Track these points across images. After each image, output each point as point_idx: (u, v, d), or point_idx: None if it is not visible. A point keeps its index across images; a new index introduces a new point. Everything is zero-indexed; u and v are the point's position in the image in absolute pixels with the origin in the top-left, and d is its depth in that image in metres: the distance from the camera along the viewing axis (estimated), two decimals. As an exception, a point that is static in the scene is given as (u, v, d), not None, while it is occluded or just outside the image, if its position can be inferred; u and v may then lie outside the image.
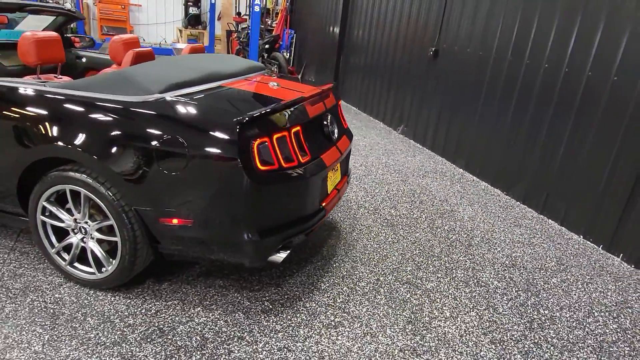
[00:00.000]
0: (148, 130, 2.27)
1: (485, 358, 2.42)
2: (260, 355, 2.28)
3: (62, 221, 2.57)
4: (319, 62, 10.20)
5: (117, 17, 12.32)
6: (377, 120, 7.65)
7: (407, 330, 2.57)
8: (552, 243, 3.81)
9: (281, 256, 2.48)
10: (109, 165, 2.30)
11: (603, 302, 3.04)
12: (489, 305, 2.87)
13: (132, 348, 2.24)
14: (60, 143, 2.38)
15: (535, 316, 2.81)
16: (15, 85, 2.54)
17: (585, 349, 2.58)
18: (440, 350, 2.45)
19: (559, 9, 4.14)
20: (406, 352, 2.41)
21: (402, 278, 3.07)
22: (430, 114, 6.16)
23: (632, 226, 3.52)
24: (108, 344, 2.25)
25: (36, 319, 2.37)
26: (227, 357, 2.24)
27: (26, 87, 2.51)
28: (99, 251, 2.54)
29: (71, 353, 2.18)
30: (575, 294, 3.10)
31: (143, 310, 2.51)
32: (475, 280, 3.13)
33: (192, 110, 2.34)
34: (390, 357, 2.36)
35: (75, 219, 2.54)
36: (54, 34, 3.20)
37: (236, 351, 2.29)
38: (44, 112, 2.44)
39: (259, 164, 2.25)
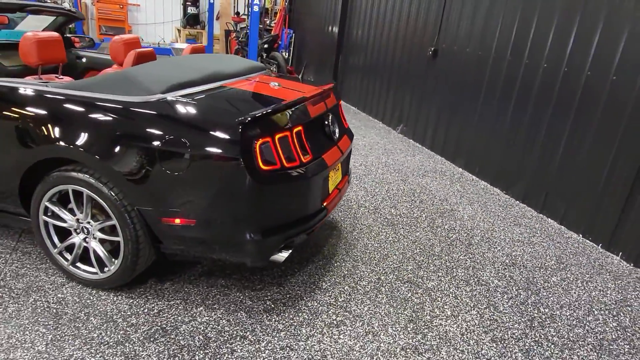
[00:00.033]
0: (150, 130, 2.28)
1: (486, 356, 2.44)
2: (263, 354, 2.29)
3: (64, 221, 2.58)
4: (318, 61, 10.21)
5: (115, 16, 12.31)
6: (376, 120, 7.66)
7: (409, 329, 2.58)
8: (551, 242, 3.82)
9: (283, 256, 2.49)
10: (112, 165, 2.31)
11: (603, 301, 3.06)
12: (490, 304, 2.89)
13: (135, 347, 2.25)
14: (62, 143, 2.39)
15: (535, 314, 2.83)
16: (17, 85, 2.55)
17: (586, 347, 2.59)
18: (442, 348, 2.46)
19: (558, 9, 4.16)
20: (408, 350, 2.42)
21: (403, 277, 3.08)
22: (429, 114, 6.17)
23: (631, 225, 3.54)
24: (111, 343, 2.26)
25: (39, 319, 2.38)
26: (230, 356, 2.25)
27: (28, 87, 2.52)
28: (101, 251, 2.55)
29: (74, 352, 2.19)
30: (575, 293, 3.12)
31: (145, 310, 2.51)
32: (476, 279, 3.14)
33: (194, 110, 2.35)
34: (392, 355, 2.37)
35: (77, 219, 2.55)
36: (55, 34, 3.20)
37: (239, 350, 2.30)
38: (47, 112, 2.44)
39: (261, 164, 2.26)
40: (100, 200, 2.38)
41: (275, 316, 2.57)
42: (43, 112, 2.45)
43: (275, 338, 2.41)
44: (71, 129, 2.38)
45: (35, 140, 2.45)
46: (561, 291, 3.12)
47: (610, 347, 2.62)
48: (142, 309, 2.52)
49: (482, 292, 3.00)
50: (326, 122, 2.88)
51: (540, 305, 2.93)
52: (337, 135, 2.98)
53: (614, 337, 2.71)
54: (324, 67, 9.75)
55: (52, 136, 2.40)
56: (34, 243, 3.04)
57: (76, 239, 2.60)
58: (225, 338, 2.37)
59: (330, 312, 2.65)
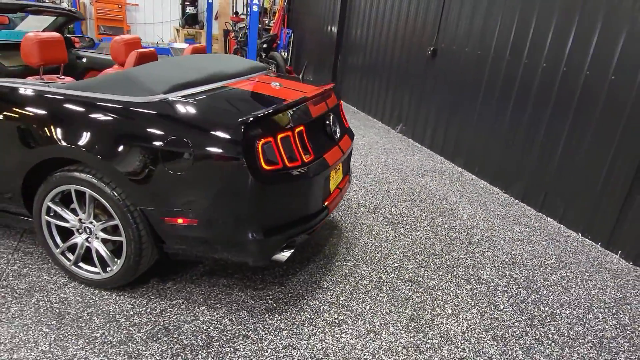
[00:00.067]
0: (152, 130, 2.29)
1: (487, 354, 2.46)
2: (266, 353, 2.30)
3: (66, 221, 2.58)
4: (317, 61, 10.22)
5: (114, 16, 12.29)
6: (375, 120, 7.68)
7: (410, 327, 2.60)
8: (551, 241, 3.84)
9: (285, 255, 2.51)
10: (114, 165, 2.31)
11: (602, 299, 3.08)
12: (490, 303, 2.90)
13: (138, 347, 2.26)
14: (64, 143, 2.39)
15: (535, 313, 2.85)
16: (20, 86, 2.55)
17: (586, 345, 2.61)
18: (443, 347, 2.48)
19: (557, 9, 4.18)
20: (409, 349, 2.43)
21: (404, 276, 3.09)
22: (428, 113, 6.19)
23: (629, 224, 3.57)
24: (114, 342, 2.27)
25: (42, 319, 2.38)
26: (232, 356, 2.27)
27: (30, 87, 2.52)
28: (103, 251, 2.56)
29: (78, 352, 2.19)
30: (574, 291, 3.13)
31: (148, 310, 2.52)
32: (476, 278, 3.16)
33: (197, 110, 2.36)
34: (394, 354, 2.39)
35: (80, 219, 2.56)
36: (56, 34, 3.20)
37: (241, 349, 2.31)
38: (49, 113, 2.45)
39: (263, 164, 2.28)
40: (103, 201, 2.39)
41: (277, 315, 2.58)
42: (46, 112, 2.45)
43: (278, 337, 2.42)
44: (74, 129, 2.39)
45: (38, 141, 2.46)
46: (561, 289, 3.14)
47: (610, 344, 2.64)
48: (144, 308, 2.53)
49: (483, 291, 3.02)
50: (327, 122, 2.89)
51: (541, 303, 2.95)
52: (338, 135, 2.99)
53: (613, 335, 2.73)
54: (323, 66, 9.76)
55: (55, 136, 2.41)
56: (36, 243, 3.05)
57: (78, 239, 2.60)
58: (228, 337, 2.38)
59: (331, 311, 2.66)
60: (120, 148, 2.31)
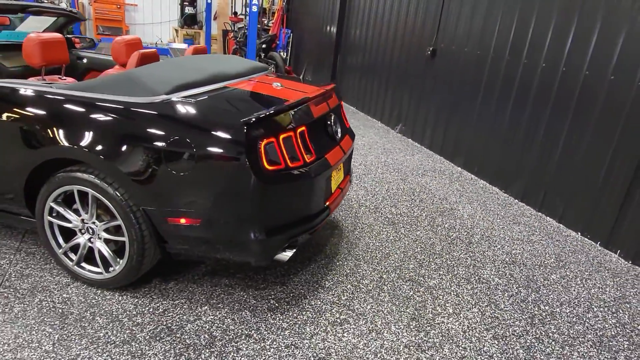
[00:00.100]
0: (155, 131, 2.30)
1: (488, 353, 2.47)
2: (268, 353, 2.31)
3: (69, 222, 2.59)
4: (316, 61, 10.23)
5: (112, 16, 12.28)
6: (375, 120, 7.70)
7: (412, 326, 2.61)
8: (550, 240, 3.86)
9: (287, 255, 2.52)
10: (117, 166, 2.32)
11: (602, 298, 3.09)
12: (491, 302, 2.92)
13: (141, 346, 2.27)
14: (67, 144, 2.40)
15: (536, 312, 2.87)
16: (22, 86, 2.56)
17: (586, 344, 2.63)
18: (445, 346, 2.49)
19: (556, 9, 4.20)
20: (411, 348, 2.45)
21: (405, 275, 3.11)
22: (428, 113, 6.21)
23: (629, 223, 3.59)
24: (118, 342, 2.28)
25: (45, 319, 2.39)
26: (235, 355, 2.28)
27: (33, 88, 2.53)
28: (106, 251, 2.57)
29: (81, 352, 2.20)
30: (574, 290, 3.15)
31: (151, 310, 2.53)
32: (477, 277, 3.18)
33: (199, 111, 2.37)
34: (396, 353, 2.40)
35: (82, 220, 2.56)
36: (58, 35, 3.21)
37: (244, 349, 2.32)
38: (52, 113, 2.46)
39: (266, 164, 2.29)
40: (106, 201, 2.40)
41: (279, 315, 2.60)
42: (49, 113, 2.46)
43: (280, 336, 2.43)
44: (76, 130, 2.40)
45: (41, 141, 2.47)
46: (561, 289, 3.15)
47: (610, 343, 2.66)
48: (147, 308, 2.54)
49: (483, 290, 3.03)
50: (329, 122, 2.90)
51: (541, 302, 2.97)
52: (339, 135, 3.00)
53: (613, 333, 2.75)
54: (322, 66, 9.77)
55: (58, 137, 2.41)
56: (38, 243, 3.05)
57: (81, 239, 2.61)
58: (231, 337, 2.40)
59: (333, 311, 2.68)
60: (123, 148, 2.32)
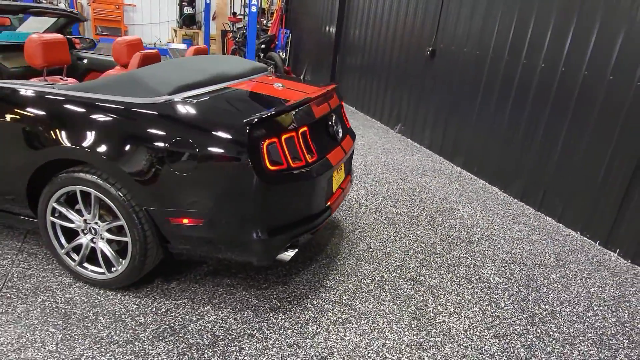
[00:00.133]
0: (158, 131, 2.30)
1: (489, 352, 2.49)
2: (271, 352, 2.32)
3: (71, 222, 2.60)
4: (316, 62, 10.24)
5: (111, 17, 12.28)
6: (374, 120, 7.71)
7: (413, 325, 2.63)
8: (550, 239, 3.88)
9: (289, 255, 2.53)
10: (120, 166, 2.33)
11: (601, 297, 3.11)
12: (491, 301, 2.93)
13: (144, 346, 2.28)
14: (70, 145, 2.41)
15: (536, 311, 2.88)
16: (25, 87, 2.56)
17: (586, 342, 2.65)
18: (446, 344, 2.50)
19: (555, 9, 4.22)
20: (413, 347, 2.46)
21: (406, 275, 3.12)
22: (427, 113, 6.22)
23: (627, 222, 3.61)
24: (121, 342, 2.29)
25: (48, 319, 2.40)
26: (238, 354, 2.29)
27: (36, 89, 2.54)
28: (108, 251, 2.58)
29: (85, 352, 2.21)
30: (574, 289, 3.17)
31: (153, 309, 2.54)
32: (477, 277, 3.19)
33: (202, 111, 2.38)
34: (398, 352, 2.41)
35: (85, 220, 2.57)
36: (60, 36, 3.22)
37: (247, 348, 2.33)
38: (55, 114, 2.46)
39: (268, 164, 2.30)
40: (108, 201, 2.41)
41: (281, 314, 2.61)
42: (51, 114, 2.47)
43: (283, 336, 2.44)
44: (79, 130, 2.40)
45: (43, 142, 2.47)
46: (561, 288, 3.17)
47: (610, 342, 2.67)
48: (149, 308, 2.55)
49: (484, 289, 3.05)
50: (330, 123, 2.91)
51: (541, 301, 2.99)
52: (340, 135, 3.02)
53: (613, 332, 2.76)
54: (322, 67, 9.78)
55: (60, 138, 2.42)
56: (39, 244, 3.06)
57: (83, 239, 2.62)
58: (233, 336, 2.41)
59: (335, 310, 2.69)
60: (126, 149, 2.33)
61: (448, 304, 2.86)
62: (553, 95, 4.24)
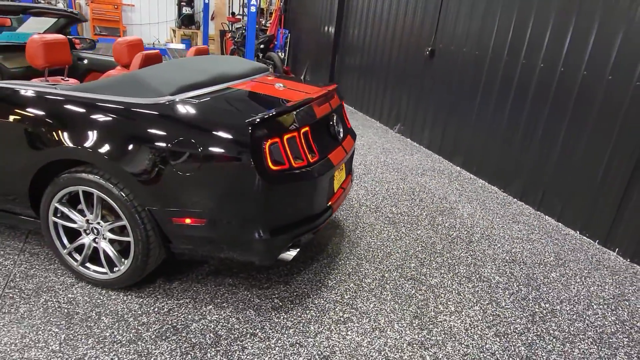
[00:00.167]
0: (160, 132, 2.31)
1: (490, 350, 2.50)
2: (274, 351, 2.33)
3: (74, 222, 2.61)
4: (315, 61, 10.25)
5: (109, 17, 12.28)
6: (373, 120, 7.72)
7: (414, 324, 2.64)
8: (550, 239, 3.90)
9: (291, 254, 2.54)
10: (122, 166, 2.34)
11: (601, 295, 3.13)
12: (492, 300, 2.95)
13: (147, 346, 2.28)
14: (72, 145, 2.42)
15: (536, 310, 2.90)
16: (26, 88, 2.57)
17: (586, 340, 2.66)
18: (447, 343, 2.52)
19: (554, 9, 4.24)
20: (414, 346, 2.48)
21: (407, 274, 3.14)
22: (427, 113, 6.24)
23: (626, 222, 3.63)
24: (124, 342, 2.30)
25: (51, 319, 2.41)
26: (241, 354, 2.30)
27: (37, 90, 2.54)
28: (111, 251, 2.58)
29: (88, 351, 2.22)
30: (574, 288, 3.19)
31: (156, 309, 2.55)
32: (477, 276, 3.21)
33: (204, 112, 2.39)
34: (400, 350, 2.43)
35: (87, 220, 2.58)
36: (61, 36, 3.22)
37: (249, 347, 2.34)
38: (57, 114, 2.47)
39: (270, 164, 2.31)
40: (111, 201, 2.41)
41: (283, 314, 2.62)
42: (53, 114, 2.47)
43: (285, 335, 2.46)
44: (81, 130, 2.41)
45: (46, 142, 2.48)
46: (561, 287, 3.19)
47: (610, 340, 2.69)
48: (152, 307, 2.56)
49: (484, 288, 3.06)
50: (331, 123, 2.93)
51: (541, 300, 3.00)
52: (341, 135, 3.03)
53: (613, 330, 2.78)
54: (321, 67, 9.79)
55: (63, 138, 2.43)
56: (41, 244, 3.07)
57: (86, 239, 2.63)
58: (236, 335, 2.42)
59: (337, 309, 2.70)
60: (129, 149, 2.34)
61: (449, 303, 2.87)
62: (552, 95, 4.26)
